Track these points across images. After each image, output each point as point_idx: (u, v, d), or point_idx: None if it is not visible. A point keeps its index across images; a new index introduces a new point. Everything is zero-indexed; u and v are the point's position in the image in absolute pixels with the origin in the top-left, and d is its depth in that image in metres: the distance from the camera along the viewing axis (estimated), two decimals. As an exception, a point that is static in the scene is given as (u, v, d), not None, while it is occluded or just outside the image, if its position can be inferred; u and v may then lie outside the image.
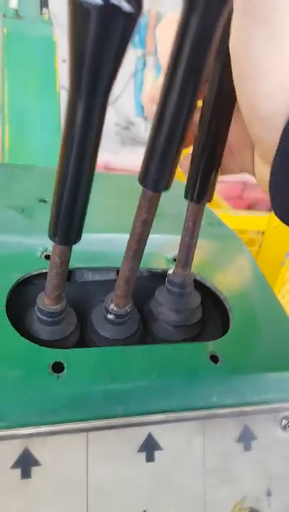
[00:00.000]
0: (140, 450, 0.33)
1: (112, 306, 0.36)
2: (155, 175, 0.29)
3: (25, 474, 0.30)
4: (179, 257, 0.38)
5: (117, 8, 0.21)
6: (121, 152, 2.63)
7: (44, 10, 0.96)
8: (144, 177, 0.30)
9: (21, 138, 0.85)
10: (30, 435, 0.30)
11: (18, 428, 0.30)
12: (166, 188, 0.30)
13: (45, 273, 0.40)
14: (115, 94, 2.47)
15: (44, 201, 0.48)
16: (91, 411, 0.32)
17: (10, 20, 0.88)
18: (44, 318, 0.35)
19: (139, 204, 0.31)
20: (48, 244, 0.41)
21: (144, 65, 2.44)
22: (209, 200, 0.35)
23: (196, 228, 0.36)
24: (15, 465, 0.30)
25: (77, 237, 0.31)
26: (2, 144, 0.84)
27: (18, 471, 0.30)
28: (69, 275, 0.42)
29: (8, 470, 0.30)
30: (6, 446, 0.30)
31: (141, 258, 0.34)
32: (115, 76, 0.25)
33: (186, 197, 0.35)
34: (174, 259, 0.45)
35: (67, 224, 0.30)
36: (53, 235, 0.31)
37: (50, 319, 0.35)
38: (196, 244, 0.37)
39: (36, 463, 0.30)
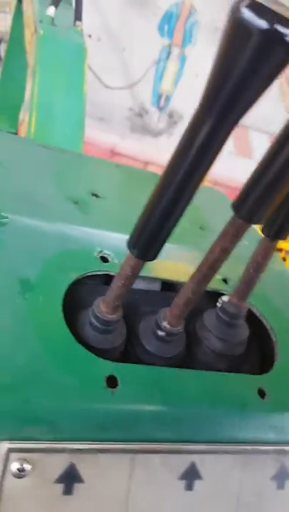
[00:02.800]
0: (181, 478, 0.32)
1: (164, 324, 0.35)
2: (253, 206, 0.28)
3: (68, 490, 0.29)
4: (239, 288, 0.37)
5: (280, 36, 0.20)
6: (129, 138, 2.60)
7: (77, 22, 1.06)
8: (239, 205, 0.28)
9: (46, 126, 0.89)
10: (78, 451, 0.29)
11: (66, 442, 0.29)
12: (259, 222, 0.29)
13: (99, 275, 0.39)
14: (134, 79, 2.43)
15: (96, 195, 0.46)
16: (140, 432, 0.31)
17: (46, 25, 0.97)
18: (98, 325, 0.33)
19: (224, 230, 0.30)
20: (104, 245, 0.40)
21: (168, 55, 2.41)
22: (284, 238, 0.34)
23: (264, 263, 0.35)
24: (58, 480, 0.29)
25: (156, 256, 0.29)
26: (28, 130, 0.87)
27: (60, 487, 0.29)
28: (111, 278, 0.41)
29: (51, 484, 0.28)
30: (53, 460, 0.28)
31: (208, 284, 0.33)
32: (252, 105, 0.24)
33: (262, 232, 0.34)
34: (224, 280, 0.43)
35: (152, 241, 0.28)
36: (132, 246, 0.29)
37: (104, 327, 0.33)
38: (260, 278, 0.36)
39: (80, 480, 0.29)
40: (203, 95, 0.24)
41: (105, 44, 2.25)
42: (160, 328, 0.35)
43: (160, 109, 2.53)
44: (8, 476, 0.27)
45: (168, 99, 2.51)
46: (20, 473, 0.27)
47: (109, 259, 0.39)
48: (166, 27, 2.34)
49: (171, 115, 2.57)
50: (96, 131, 2.29)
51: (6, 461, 0.27)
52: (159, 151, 2.65)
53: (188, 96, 2.52)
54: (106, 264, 0.39)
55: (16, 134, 1.87)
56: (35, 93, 0.87)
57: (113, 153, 2.59)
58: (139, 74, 2.44)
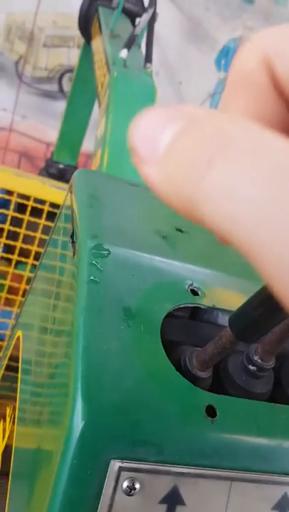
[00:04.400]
0: (274, 508, 0.33)
1: (256, 358, 0.36)
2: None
3: (170, 511, 0.30)
4: None
5: None
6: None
7: (148, 65, 1.11)
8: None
9: (118, 161, 0.93)
10: (181, 474, 0.31)
11: (171, 465, 0.31)
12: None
13: (189, 307, 0.41)
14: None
15: (181, 231, 0.49)
16: (237, 461, 0.32)
17: (119, 67, 1.03)
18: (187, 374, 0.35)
19: None
20: (194, 278, 0.42)
21: (224, 88, 2.46)
22: None
23: None
24: (163, 500, 0.30)
25: (256, 340, 0.30)
26: (100, 165, 0.91)
27: (164, 507, 0.30)
28: (196, 313, 0.43)
29: (156, 504, 0.30)
30: (159, 481, 0.30)
31: None
32: None
33: None
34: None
35: (256, 329, 0.29)
36: (232, 325, 0.30)
37: (193, 378, 0.35)
38: None
39: (182, 502, 0.31)
40: None
41: (163, 78, 2.33)
42: (252, 362, 0.37)
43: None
44: (119, 492, 0.29)
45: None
46: (131, 491, 0.29)
47: (199, 293, 0.41)
48: (223, 61, 2.40)
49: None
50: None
51: (118, 478, 0.29)
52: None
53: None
54: (196, 296, 0.41)
55: (76, 167, 1.96)
56: (109, 130, 0.92)
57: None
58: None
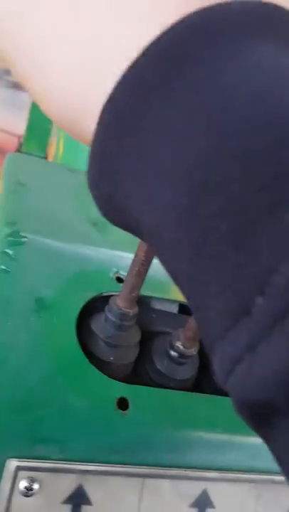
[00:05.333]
0: (193, 505, 0.31)
1: (177, 344, 0.35)
2: None
3: (76, 512, 0.29)
4: None
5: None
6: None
7: None
8: None
9: (73, 150, 0.90)
10: (87, 472, 0.29)
11: (75, 463, 0.29)
12: None
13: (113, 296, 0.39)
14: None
15: (115, 217, 0.46)
16: (150, 456, 0.30)
17: None
18: (114, 319, 0.33)
19: None
20: (120, 266, 0.40)
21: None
22: None
23: None
24: (66, 500, 0.28)
25: None
26: (56, 154, 0.88)
27: (68, 508, 0.29)
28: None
29: (59, 504, 0.28)
30: (61, 480, 0.28)
31: None
32: None
33: None
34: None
35: None
36: None
37: (120, 323, 0.33)
38: None
39: (88, 502, 0.29)
40: None
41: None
42: (173, 348, 0.35)
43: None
44: (16, 494, 0.27)
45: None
46: (28, 492, 0.27)
47: (126, 280, 0.39)
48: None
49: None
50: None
51: (15, 478, 0.27)
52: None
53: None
54: (121, 284, 0.39)
55: (45, 158, 1.93)
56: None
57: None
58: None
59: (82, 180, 0.54)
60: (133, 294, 0.33)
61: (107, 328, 0.34)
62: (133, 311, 0.33)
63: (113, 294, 0.38)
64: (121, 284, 0.39)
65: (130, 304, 0.33)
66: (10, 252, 0.36)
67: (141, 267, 0.31)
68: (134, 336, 0.35)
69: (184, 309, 0.44)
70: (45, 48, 0.17)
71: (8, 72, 2.37)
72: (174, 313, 0.43)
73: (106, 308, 0.34)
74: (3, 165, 0.48)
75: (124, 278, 0.40)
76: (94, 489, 0.29)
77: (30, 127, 1.84)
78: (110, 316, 0.33)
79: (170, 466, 0.31)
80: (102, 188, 0.17)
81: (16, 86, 2.34)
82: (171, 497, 0.30)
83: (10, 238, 0.37)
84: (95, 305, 0.38)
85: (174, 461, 0.31)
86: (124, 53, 0.15)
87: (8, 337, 0.31)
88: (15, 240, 0.37)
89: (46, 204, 0.44)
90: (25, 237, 0.38)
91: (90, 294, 0.37)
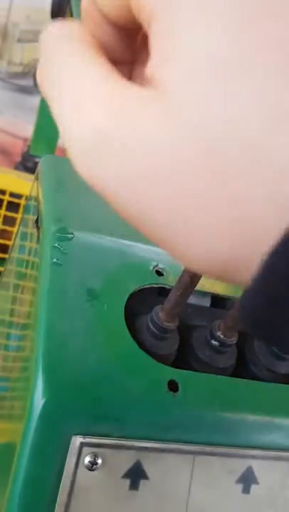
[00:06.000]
0: (238, 481, 0.33)
1: (218, 333, 0.37)
2: None
3: (134, 486, 0.31)
4: None
5: None
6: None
7: None
8: None
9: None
10: (144, 448, 0.31)
11: (134, 440, 0.31)
12: None
13: (154, 287, 0.41)
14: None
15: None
16: (200, 435, 0.32)
17: None
18: (156, 331, 0.36)
19: None
20: (158, 260, 0.42)
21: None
22: None
23: None
24: (126, 475, 0.31)
25: None
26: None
27: (127, 482, 0.31)
28: (164, 291, 0.43)
29: (119, 478, 0.30)
30: (121, 456, 0.30)
31: None
32: None
33: None
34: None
35: None
36: None
37: (161, 334, 0.36)
38: None
39: (145, 476, 0.31)
40: None
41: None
42: (214, 337, 0.37)
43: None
44: (81, 468, 0.29)
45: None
46: (92, 466, 0.29)
47: (164, 273, 0.41)
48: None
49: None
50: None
51: (79, 454, 0.29)
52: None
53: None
54: (161, 277, 0.41)
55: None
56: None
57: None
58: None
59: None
60: (175, 311, 0.35)
61: (148, 336, 0.36)
62: (174, 324, 0.35)
63: (154, 285, 0.41)
64: (160, 277, 0.41)
65: (172, 318, 0.35)
66: (60, 246, 0.38)
67: (185, 290, 0.33)
68: (173, 343, 0.37)
69: (215, 303, 0.46)
70: None
71: (14, 75, 2.39)
72: (207, 307, 0.45)
73: (149, 317, 0.36)
74: (40, 167, 0.51)
75: (162, 271, 0.42)
76: (150, 465, 0.31)
77: (38, 130, 1.87)
78: (152, 327, 0.35)
79: (218, 445, 0.33)
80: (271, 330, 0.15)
81: (22, 89, 2.37)
82: (219, 472, 0.33)
83: (58, 234, 0.39)
84: (138, 295, 0.40)
85: (221, 440, 0.33)
86: None
87: (66, 323, 0.33)
88: (63, 235, 0.39)
89: (85, 202, 0.46)
90: (72, 233, 0.40)
91: (133, 285, 0.39)
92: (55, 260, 0.37)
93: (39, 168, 0.51)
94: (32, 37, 2.31)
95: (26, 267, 0.47)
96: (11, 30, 2.27)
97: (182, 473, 0.32)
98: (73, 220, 0.42)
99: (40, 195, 0.46)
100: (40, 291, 0.36)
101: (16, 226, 1.30)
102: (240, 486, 0.33)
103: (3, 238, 1.31)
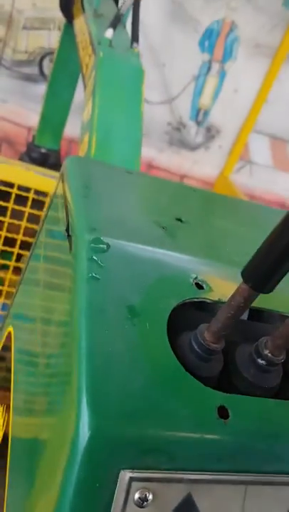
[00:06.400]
0: (291, 511, 0.31)
1: (266, 352, 0.35)
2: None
3: (185, 521, 0.29)
4: None
5: None
6: (166, 152, 2.62)
7: (134, 44, 1.06)
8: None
9: (106, 146, 0.90)
10: (195, 481, 0.29)
11: (183, 472, 0.29)
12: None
13: (196, 302, 0.39)
14: (174, 94, 2.45)
15: (181, 220, 0.46)
16: (253, 463, 0.31)
17: (105, 47, 0.98)
18: (201, 353, 0.33)
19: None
20: (197, 271, 0.40)
21: (209, 70, 2.42)
22: None
23: None
24: (177, 509, 0.29)
25: (273, 288, 0.29)
26: (88, 150, 0.88)
27: (178, 516, 0.29)
28: (204, 305, 0.41)
29: (169, 513, 0.29)
30: (172, 489, 0.29)
31: None
32: None
33: None
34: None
35: (272, 275, 0.28)
36: (246, 278, 0.29)
37: (206, 356, 0.33)
38: None
39: (196, 510, 0.29)
40: None
41: (146, 60, 2.28)
42: (261, 356, 0.35)
43: (198, 123, 2.54)
44: (130, 504, 0.28)
45: (206, 113, 2.52)
46: (143, 503, 0.27)
47: (204, 286, 0.39)
48: (206, 43, 2.35)
49: (208, 129, 2.58)
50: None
51: (128, 489, 0.28)
52: (196, 165, 2.66)
53: (226, 111, 2.52)
54: (201, 290, 0.39)
55: (59, 151, 1.90)
56: (96, 114, 0.89)
57: (151, 166, 2.61)
58: (178, 89, 2.46)
59: (142, 182, 0.54)
60: (223, 333, 0.32)
61: (192, 358, 0.34)
62: (220, 345, 0.33)
63: (195, 300, 0.38)
64: (200, 291, 0.39)
65: (219, 339, 0.33)
66: (97, 259, 0.36)
67: (237, 312, 0.31)
68: (218, 364, 0.35)
69: (252, 316, 0.44)
70: None
71: (19, 63, 2.34)
72: (246, 321, 0.43)
73: (193, 336, 0.34)
74: (66, 169, 0.48)
75: (202, 284, 0.40)
76: (201, 497, 0.29)
77: (44, 120, 1.83)
78: (197, 348, 0.33)
79: (271, 473, 0.31)
80: None
81: (27, 78, 2.32)
82: (271, 502, 0.31)
83: (93, 245, 0.37)
84: (178, 310, 0.38)
85: (274, 468, 0.31)
86: None
87: (108, 345, 0.31)
88: (98, 246, 0.37)
89: (115, 208, 0.44)
90: (106, 243, 0.38)
91: (173, 301, 0.37)
92: (92, 274, 0.35)
93: (64, 169, 0.49)
94: (37, 24, 2.26)
95: (56, 265, 0.44)
96: (16, 17, 2.22)
97: (234, 503, 0.30)
98: (106, 229, 0.39)
99: (70, 200, 0.43)
100: (77, 307, 0.33)
101: (24, 220, 1.27)
102: (292, 517, 0.31)
103: (11, 232, 1.29)
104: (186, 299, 0.37)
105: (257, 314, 0.43)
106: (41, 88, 2.03)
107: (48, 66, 2.32)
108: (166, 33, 2.32)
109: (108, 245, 0.38)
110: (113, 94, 0.94)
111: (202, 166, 2.67)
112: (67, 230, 0.41)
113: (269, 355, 0.35)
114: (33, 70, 2.36)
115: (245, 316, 0.43)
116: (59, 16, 1.59)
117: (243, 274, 0.30)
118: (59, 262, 0.43)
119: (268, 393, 0.35)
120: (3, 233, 1.28)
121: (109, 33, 0.99)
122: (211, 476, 0.29)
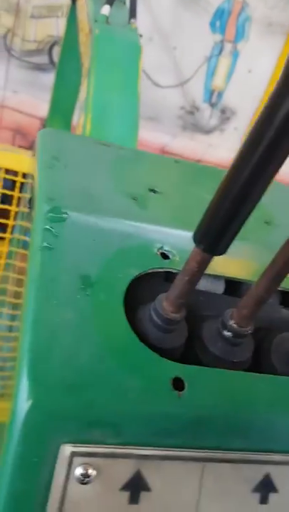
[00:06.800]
0: (255, 490, 0.29)
1: (231, 323, 0.33)
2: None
3: (134, 499, 0.27)
4: None
5: None
6: (180, 136, 2.57)
7: (132, 20, 1.03)
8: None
9: (102, 125, 0.89)
10: (145, 457, 0.27)
11: (133, 447, 0.27)
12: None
13: (159, 272, 0.37)
14: (186, 77, 2.41)
15: (154, 191, 0.44)
16: (210, 439, 0.29)
17: (101, 24, 0.95)
18: (160, 323, 0.31)
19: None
20: (164, 242, 0.38)
21: (221, 51, 2.36)
22: None
23: None
24: (124, 487, 0.27)
25: (226, 250, 0.27)
26: (83, 129, 0.87)
27: (126, 495, 0.27)
28: (171, 276, 0.39)
29: (116, 491, 0.27)
30: (119, 466, 0.27)
31: (282, 281, 0.30)
32: None
33: None
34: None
35: (222, 234, 0.26)
36: (199, 241, 0.27)
37: (166, 326, 0.32)
38: None
39: (146, 488, 0.27)
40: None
41: (157, 43, 2.24)
42: (226, 327, 0.33)
43: (212, 105, 2.49)
44: (71, 481, 0.26)
45: (220, 95, 2.47)
46: (85, 479, 0.26)
47: (170, 256, 0.37)
48: (218, 23, 2.29)
49: (223, 111, 2.53)
50: (147, 131, 2.29)
51: (70, 465, 0.26)
52: (211, 148, 2.61)
53: (240, 91, 2.46)
54: (166, 261, 0.37)
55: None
56: (91, 92, 0.87)
57: (163, 152, 2.58)
58: (190, 71, 2.41)
59: (118, 154, 0.52)
60: (181, 301, 0.30)
61: (153, 330, 0.32)
62: (180, 314, 0.31)
63: (158, 270, 0.36)
64: (166, 261, 0.37)
65: (178, 308, 0.31)
66: (52, 228, 0.34)
67: (192, 277, 0.29)
68: (181, 336, 0.33)
69: (229, 290, 0.41)
70: None
71: (28, 53, 2.34)
72: (220, 295, 0.41)
73: (152, 306, 0.32)
74: (37, 141, 0.46)
75: (168, 254, 0.38)
76: (152, 475, 0.27)
77: (54, 106, 1.82)
78: (156, 319, 0.31)
79: (231, 450, 0.29)
80: None
81: (37, 67, 2.31)
82: (232, 482, 0.29)
83: (51, 214, 0.35)
84: (141, 282, 0.36)
85: (234, 444, 0.29)
86: None
87: (55, 316, 0.29)
88: (56, 216, 0.35)
89: (84, 179, 0.42)
90: (65, 213, 0.36)
91: (135, 271, 0.35)
92: (45, 244, 0.33)
93: (36, 142, 0.47)
94: (45, 12, 2.24)
95: (22, 247, 0.43)
96: (23, 6, 2.21)
97: (189, 483, 0.28)
98: (68, 199, 0.38)
99: (35, 172, 0.42)
100: (28, 278, 0.32)
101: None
102: (257, 496, 0.29)
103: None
104: (148, 269, 0.35)
105: (234, 287, 0.41)
106: (52, 77, 2.02)
107: (57, 54, 2.30)
108: (176, 15, 2.27)
109: (67, 215, 0.36)
110: (109, 71, 0.92)
111: (218, 150, 2.62)
112: (29, 201, 0.40)
113: (234, 326, 0.32)
114: (43, 59, 2.35)
115: (221, 289, 0.41)
116: (66, 2, 1.57)
117: (194, 237, 0.28)
118: (24, 243, 0.42)
119: (236, 367, 0.33)
120: (11, 222, 1.29)
121: (105, 9, 0.97)
122: (162, 451, 0.27)
